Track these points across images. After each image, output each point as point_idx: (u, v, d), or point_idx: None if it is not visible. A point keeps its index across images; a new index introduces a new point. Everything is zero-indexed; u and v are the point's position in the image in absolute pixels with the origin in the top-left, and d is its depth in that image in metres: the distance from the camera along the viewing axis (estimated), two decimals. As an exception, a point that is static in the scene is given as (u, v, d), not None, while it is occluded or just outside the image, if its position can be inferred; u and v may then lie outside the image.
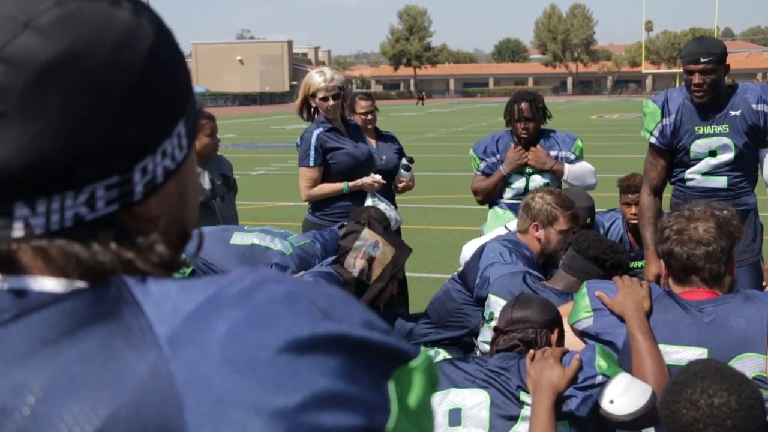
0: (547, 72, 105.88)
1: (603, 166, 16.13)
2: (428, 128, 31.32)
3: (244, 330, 0.56)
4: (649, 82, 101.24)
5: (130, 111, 0.62)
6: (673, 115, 3.98)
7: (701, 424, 1.66)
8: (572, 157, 4.62)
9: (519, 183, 4.61)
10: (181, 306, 0.58)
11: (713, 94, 3.85)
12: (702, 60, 3.78)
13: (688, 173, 4.04)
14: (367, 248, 3.01)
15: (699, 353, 2.29)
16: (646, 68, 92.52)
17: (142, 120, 0.63)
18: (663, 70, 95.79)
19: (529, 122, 4.53)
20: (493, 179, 4.64)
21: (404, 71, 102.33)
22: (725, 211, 2.43)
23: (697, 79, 3.82)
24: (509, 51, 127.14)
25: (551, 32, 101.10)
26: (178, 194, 0.69)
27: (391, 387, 0.58)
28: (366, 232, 3.04)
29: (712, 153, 3.93)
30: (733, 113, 3.87)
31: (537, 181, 4.59)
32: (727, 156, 3.92)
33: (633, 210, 4.43)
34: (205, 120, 4.37)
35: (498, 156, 4.66)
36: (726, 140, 3.89)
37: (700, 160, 3.98)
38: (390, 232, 3.13)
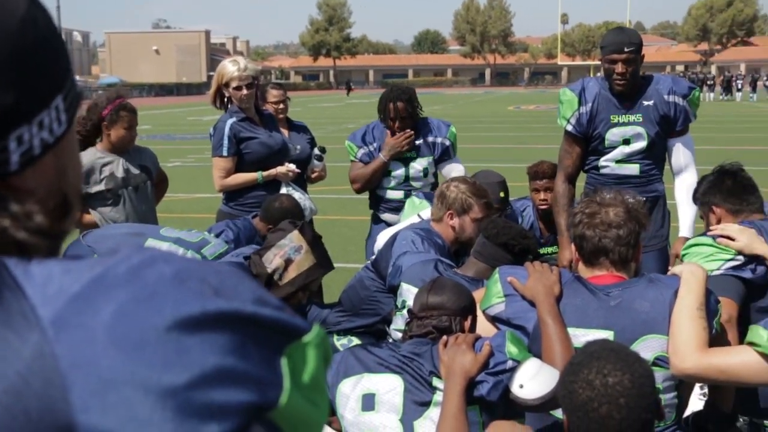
0: (466, 63, 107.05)
1: (519, 156, 16.44)
2: (348, 119, 31.24)
3: (132, 310, 0.55)
4: (564, 73, 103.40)
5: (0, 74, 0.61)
6: (590, 104, 4.06)
7: (596, 403, 1.71)
8: (448, 143, 4.66)
9: (399, 171, 4.61)
10: (65, 287, 0.56)
11: (633, 82, 3.97)
12: (626, 49, 3.88)
13: (603, 161, 4.12)
14: (289, 249, 2.97)
15: (606, 336, 2.35)
16: (561, 60, 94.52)
17: (13, 85, 0.62)
18: (578, 62, 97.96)
19: (404, 121, 4.52)
20: (372, 167, 4.59)
21: (324, 62, 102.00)
22: (633, 199, 2.51)
23: (620, 68, 3.92)
24: (429, 42, 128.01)
25: (470, 24, 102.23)
26: (57, 169, 0.67)
27: (284, 362, 0.58)
28: (294, 234, 3.00)
29: (626, 141, 4.03)
30: (646, 103, 3.97)
31: (417, 168, 4.61)
32: (640, 144, 4.02)
33: (542, 196, 4.51)
34: (125, 112, 4.28)
35: (375, 144, 4.64)
36: (639, 129, 3.99)
37: (614, 148, 4.07)
38: (319, 244, 3.08)
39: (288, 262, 2.94)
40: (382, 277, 3.37)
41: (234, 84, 4.55)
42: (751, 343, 2.21)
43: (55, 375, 0.52)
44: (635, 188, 3.99)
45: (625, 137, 4.03)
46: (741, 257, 2.78)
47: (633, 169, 4.07)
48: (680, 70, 75.92)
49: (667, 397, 2.37)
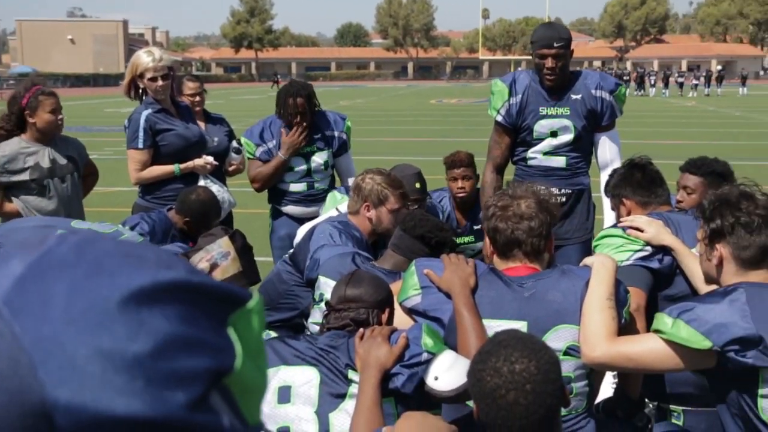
0: (389, 57, 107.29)
1: (441, 150, 16.56)
2: (270, 111, 30.95)
3: (85, 285, 0.55)
4: (486, 68, 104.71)
5: None
6: (520, 95, 4.12)
7: (503, 390, 1.74)
8: (344, 137, 4.71)
9: (301, 166, 4.60)
10: (7, 271, 0.55)
11: (562, 77, 4.04)
12: (555, 45, 3.94)
13: (531, 152, 4.19)
14: (216, 254, 2.94)
15: (519, 326, 2.40)
16: (483, 55, 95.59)
17: None
18: (499, 56, 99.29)
19: (303, 116, 4.51)
20: (272, 165, 4.56)
21: (246, 54, 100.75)
22: (544, 190, 2.56)
23: (550, 63, 3.98)
24: (351, 35, 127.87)
25: (392, 17, 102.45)
26: None
27: (231, 329, 0.59)
28: (224, 240, 2.96)
29: (554, 133, 4.10)
30: (574, 97, 4.05)
31: (318, 161, 4.62)
32: (567, 137, 4.10)
33: (459, 184, 4.56)
34: (44, 96, 4.18)
35: (274, 141, 4.61)
36: (567, 122, 4.07)
37: (542, 140, 4.14)
38: (248, 253, 3.04)
39: (213, 266, 2.90)
40: (300, 271, 3.36)
41: (149, 75, 4.46)
42: (656, 331, 2.29)
43: (20, 354, 0.51)
44: (561, 180, 4.10)
45: (553, 129, 4.10)
46: (649, 248, 2.87)
47: (560, 161, 4.14)
48: (597, 66, 77.74)
49: (578, 386, 2.43)
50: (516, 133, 4.21)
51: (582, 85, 4.08)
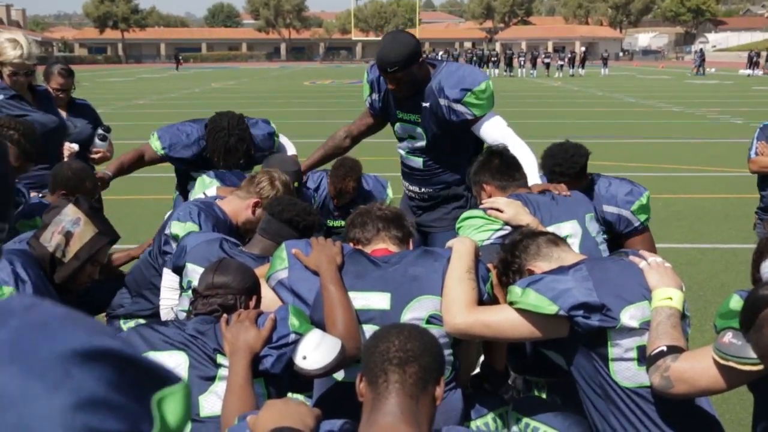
0: (261, 38, 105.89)
1: (316, 131, 16.56)
2: (138, 95, 30.08)
3: (27, 335, 0.61)
4: (359, 49, 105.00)
5: None
6: (381, 94, 4.12)
7: (391, 354, 1.84)
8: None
9: None
10: None
11: (408, 91, 3.90)
12: (389, 70, 3.78)
13: (398, 148, 4.23)
14: (66, 224, 2.83)
15: (383, 297, 2.51)
16: (355, 36, 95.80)
17: None
18: (372, 37, 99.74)
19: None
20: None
21: (111, 34, 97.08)
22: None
23: (389, 84, 3.89)
24: (222, 16, 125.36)
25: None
26: None
27: (155, 404, 0.65)
28: (69, 208, 2.84)
29: (411, 137, 4.07)
30: (424, 104, 3.92)
31: None
32: (420, 143, 4.04)
33: (341, 190, 4.59)
34: None
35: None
36: (419, 129, 4.00)
37: (403, 139, 4.14)
38: (99, 214, 2.94)
39: (68, 236, 2.80)
40: (160, 251, 3.32)
41: (11, 69, 4.23)
42: (510, 303, 2.42)
43: None
44: (421, 180, 4.13)
45: (408, 134, 4.08)
46: (509, 227, 3.01)
47: (418, 162, 4.11)
48: (468, 47, 79.26)
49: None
50: (385, 121, 4.25)
51: (431, 91, 3.89)
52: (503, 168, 3.31)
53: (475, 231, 3.02)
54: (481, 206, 3.16)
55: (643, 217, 3.62)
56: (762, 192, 5.13)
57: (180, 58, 63.83)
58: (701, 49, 53.94)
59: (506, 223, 3.02)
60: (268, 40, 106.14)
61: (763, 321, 1.85)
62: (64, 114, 4.83)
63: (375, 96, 4.15)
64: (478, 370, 3.01)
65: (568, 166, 3.58)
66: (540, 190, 3.27)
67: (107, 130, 4.96)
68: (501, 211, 3.04)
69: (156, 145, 4.38)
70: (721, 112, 22.22)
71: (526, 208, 3.06)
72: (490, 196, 3.24)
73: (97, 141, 4.92)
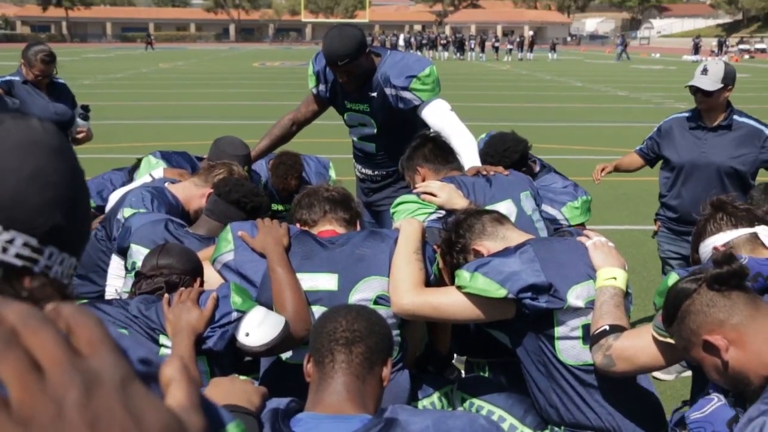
0: (210, 18, 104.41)
1: (264, 114, 16.46)
2: (83, 74, 29.43)
3: None
4: (309, 30, 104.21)
5: None
6: (327, 85, 4.13)
7: (338, 334, 1.85)
8: None
9: None
10: None
11: (357, 82, 3.93)
12: (339, 63, 3.81)
13: (350, 133, 4.24)
14: None
15: (330, 278, 2.51)
16: (305, 17, 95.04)
17: None
18: (321, 19, 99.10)
19: None
20: None
21: (55, 12, 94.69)
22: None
23: (339, 77, 3.91)
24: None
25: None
26: None
27: None
28: None
29: (362, 124, 4.10)
30: (371, 94, 3.96)
31: None
32: (371, 130, 4.09)
33: (282, 186, 4.56)
34: None
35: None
36: (368, 118, 4.04)
37: (354, 126, 4.17)
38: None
39: None
40: (111, 237, 3.26)
41: None
42: (458, 287, 2.43)
43: None
44: (375, 164, 4.17)
45: (359, 122, 4.11)
46: (443, 211, 3.03)
47: (370, 147, 4.16)
48: (418, 30, 79.28)
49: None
50: (329, 106, 4.26)
51: (377, 81, 3.93)
52: (437, 151, 3.36)
53: (410, 215, 3.04)
54: (414, 191, 3.18)
55: (576, 220, 3.55)
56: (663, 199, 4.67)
57: (151, 38, 62.30)
58: (623, 36, 54.90)
59: (440, 207, 3.05)
60: (216, 20, 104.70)
61: (684, 313, 1.89)
62: (44, 96, 4.76)
63: (322, 87, 4.17)
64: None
65: (499, 158, 3.60)
66: (474, 172, 3.29)
67: (87, 108, 4.87)
68: (434, 195, 3.06)
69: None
70: (665, 96, 22.63)
71: (460, 192, 3.09)
72: (424, 180, 3.27)
73: (79, 120, 4.84)
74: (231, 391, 1.76)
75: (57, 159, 0.82)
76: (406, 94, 3.87)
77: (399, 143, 4.04)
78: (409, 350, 2.72)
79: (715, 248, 2.33)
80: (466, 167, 3.42)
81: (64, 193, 0.82)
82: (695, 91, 4.34)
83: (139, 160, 4.26)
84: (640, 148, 4.80)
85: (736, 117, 4.39)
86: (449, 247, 2.65)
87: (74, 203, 0.84)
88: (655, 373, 4.14)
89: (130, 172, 4.25)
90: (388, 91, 3.89)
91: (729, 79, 4.29)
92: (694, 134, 4.45)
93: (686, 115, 4.54)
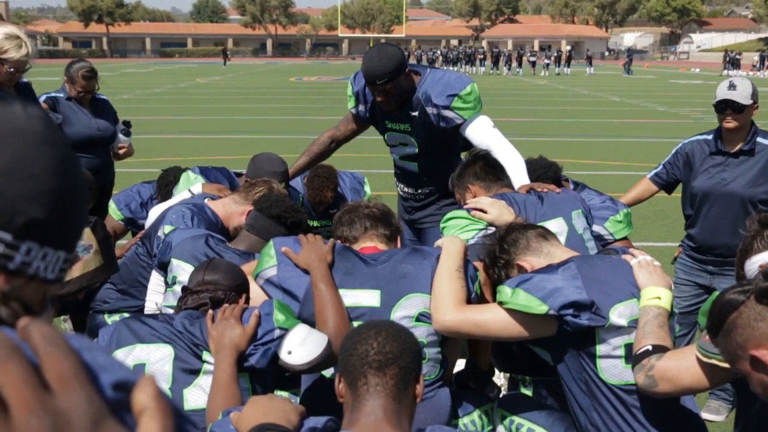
0: (247, 33, 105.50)
1: (301, 128, 16.55)
2: (123, 89, 29.89)
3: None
4: (345, 45, 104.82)
5: None
6: (368, 105, 4.12)
7: (371, 357, 1.83)
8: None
9: None
10: None
11: (397, 102, 3.91)
12: (378, 83, 3.78)
13: (391, 152, 4.23)
14: (78, 246, 2.78)
15: (373, 294, 2.51)
16: (342, 32, 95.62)
17: None
18: (358, 34, 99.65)
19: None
20: None
21: (96, 28, 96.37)
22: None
23: (378, 97, 3.88)
24: (208, 11, 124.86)
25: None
26: None
27: None
28: (86, 232, 2.80)
29: (403, 144, 4.08)
30: (412, 114, 3.93)
31: None
32: (412, 150, 4.06)
33: (319, 200, 4.58)
34: None
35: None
36: (410, 138, 4.02)
37: (395, 146, 4.15)
38: (108, 243, 2.91)
39: (74, 259, 2.76)
40: (152, 254, 3.29)
41: (8, 67, 4.16)
42: (500, 303, 2.42)
43: None
44: (418, 182, 4.15)
45: (400, 141, 4.09)
46: (492, 228, 3.01)
47: (413, 166, 4.13)
48: (455, 44, 79.37)
49: (431, 352, 2.53)
50: (369, 125, 4.26)
51: (418, 101, 3.90)
52: (488, 168, 3.36)
53: (459, 231, 3.03)
54: (465, 206, 3.17)
55: (620, 234, 3.52)
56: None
57: (228, 53, 62.43)
58: (629, 49, 54.33)
59: (490, 224, 3.03)
60: (254, 35, 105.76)
61: (730, 326, 1.84)
62: (87, 112, 4.85)
63: (362, 107, 4.16)
64: (462, 367, 3.02)
65: None
66: (527, 189, 3.28)
67: (128, 124, 4.94)
68: (485, 212, 3.05)
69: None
70: (705, 112, 22.34)
71: (511, 208, 3.07)
72: (475, 197, 3.26)
73: (121, 136, 4.91)
74: (269, 409, 1.77)
75: (40, 148, 0.75)
76: (448, 113, 3.83)
77: (441, 162, 4.07)
78: (449, 367, 2.71)
79: (761, 266, 2.29)
80: (516, 185, 3.39)
81: (47, 185, 0.75)
82: (724, 108, 3.96)
83: (165, 172, 4.31)
84: (655, 173, 4.44)
85: (759, 139, 3.99)
86: (492, 261, 2.63)
87: (61, 194, 0.77)
88: (705, 415, 3.98)
89: (158, 184, 4.30)
90: (429, 110, 3.86)
91: (756, 96, 3.97)
92: (714, 160, 4.07)
93: (705, 137, 4.16)
